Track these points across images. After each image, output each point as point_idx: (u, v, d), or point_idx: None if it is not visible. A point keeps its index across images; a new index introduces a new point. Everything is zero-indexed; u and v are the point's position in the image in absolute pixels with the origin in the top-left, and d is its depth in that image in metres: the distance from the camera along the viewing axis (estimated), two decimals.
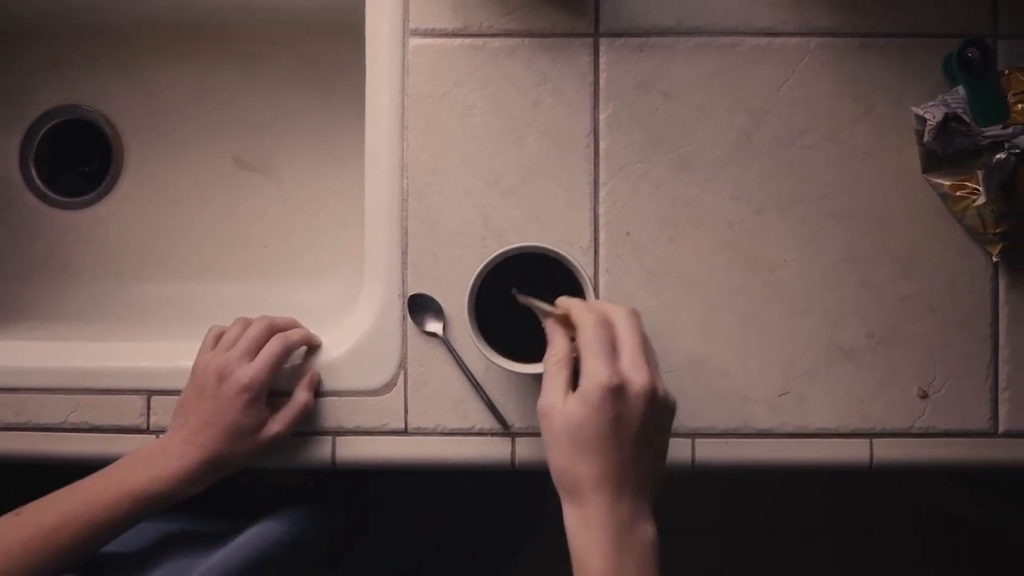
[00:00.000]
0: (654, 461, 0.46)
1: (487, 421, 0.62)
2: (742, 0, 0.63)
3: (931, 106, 0.59)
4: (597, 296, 0.59)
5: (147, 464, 0.56)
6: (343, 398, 0.63)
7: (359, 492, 0.75)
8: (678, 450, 0.62)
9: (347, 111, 0.81)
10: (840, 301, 0.62)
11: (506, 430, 0.62)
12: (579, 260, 0.55)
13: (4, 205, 0.82)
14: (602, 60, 0.63)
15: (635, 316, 0.47)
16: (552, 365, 0.47)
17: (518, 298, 0.51)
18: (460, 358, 0.62)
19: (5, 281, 0.81)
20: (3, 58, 0.81)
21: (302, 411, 0.60)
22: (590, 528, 0.43)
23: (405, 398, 0.63)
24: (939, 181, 0.61)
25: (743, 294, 0.63)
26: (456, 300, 0.62)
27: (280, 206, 0.82)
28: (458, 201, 0.63)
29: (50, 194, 0.83)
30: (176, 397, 0.59)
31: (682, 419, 0.62)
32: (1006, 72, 0.60)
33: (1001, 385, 0.62)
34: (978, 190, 0.58)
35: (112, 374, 0.64)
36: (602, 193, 0.63)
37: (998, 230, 0.60)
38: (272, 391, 0.59)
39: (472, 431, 0.63)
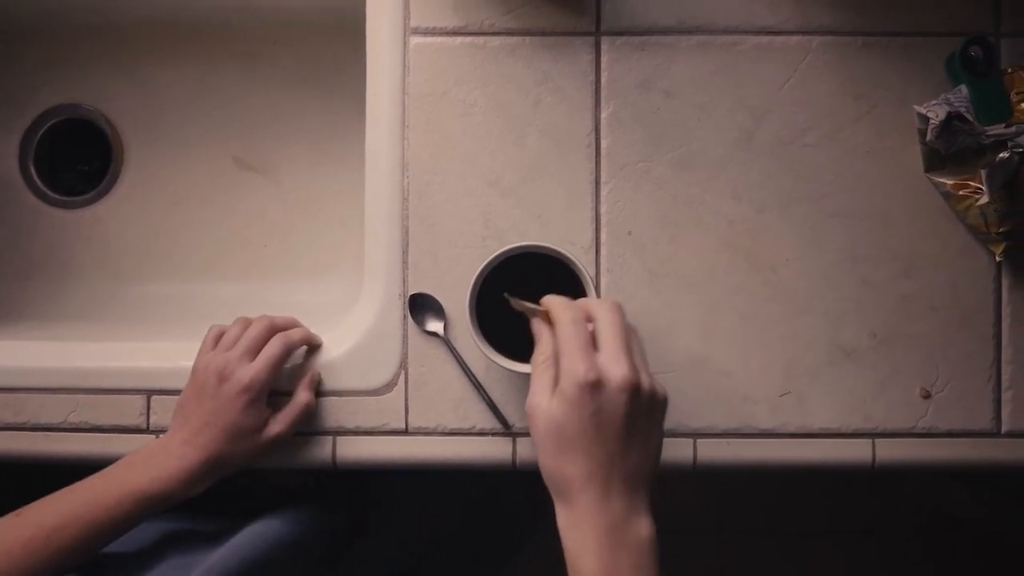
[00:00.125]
0: (646, 455, 0.44)
1: (488, 421, 0.62)
2: None
3: (934, 105, 0.59)
4: (599, 295, 0.59)
5: (148, 464, 0.55)
6: (343, 398, 0.63)
7: (359, 492, 0.75)
8: (679, 450, 0.62)
9: (347, 111, 0.80)
10: (842, 300, 0.62)
11: (507, 430, 0.62)
12: (580, 259, 0.55)
13: (4, 205, 0.82)
14: (603, 59, 0.63)
15: (616, 309, 0.46)
16: (539, 364, 0.46)
17: (510, 301, 0.50)
18: (461, 358, 0.62)
19: (5, 281, 0.81)
20: (3, 58, 0.81)
21: (303, 411, 0.60)
22: (581, 528, 0.42)
23: (406, 398, 0.63)
24: (942, 180, 0.61)
25: (744, 293, 0.62)
26: (457, 300, 0.62)
27: (280, 206, 0.82)
28: (459, 200, 0.63)
29: (50, 193, 0.83)
30: (176, 397, 0.59)
31: (683, 419, 0.62)
32: (1009, 71, 0.60)
33: (1004, 385, 0.62)
34: (981, 189, 0.58)
35: (112, 374, 0.64)
36: (603, 192, 0.63)
37: (1001, 229, 0.60)
38: (273, 391, 0.59)
39: (473, 431, 0.63)
